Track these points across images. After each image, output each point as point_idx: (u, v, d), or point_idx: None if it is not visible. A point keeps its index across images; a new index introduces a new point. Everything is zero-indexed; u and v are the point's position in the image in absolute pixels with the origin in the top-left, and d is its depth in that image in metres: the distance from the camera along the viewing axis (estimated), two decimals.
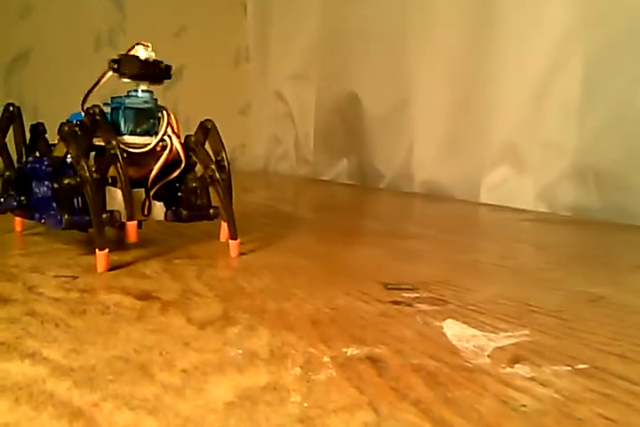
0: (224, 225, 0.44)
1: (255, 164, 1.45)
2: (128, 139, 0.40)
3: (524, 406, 0.21)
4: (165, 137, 0.41)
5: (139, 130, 0.41)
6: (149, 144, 0.40)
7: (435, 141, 0.91)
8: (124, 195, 0.38)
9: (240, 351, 0.25)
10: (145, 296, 0.32)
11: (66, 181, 0.37)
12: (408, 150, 0.97)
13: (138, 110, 0.41)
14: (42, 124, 0.44)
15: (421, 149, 0.93)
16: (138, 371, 0.22)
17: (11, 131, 0.45)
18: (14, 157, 0.44)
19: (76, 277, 0.35)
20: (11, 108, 0.44)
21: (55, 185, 0.38)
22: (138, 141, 0.40)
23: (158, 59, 0.42)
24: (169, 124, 0.41)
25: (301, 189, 1.13)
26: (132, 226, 0.39)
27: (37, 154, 0.43)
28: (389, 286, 0.36)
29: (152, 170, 0.41)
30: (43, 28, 1.04)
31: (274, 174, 1.39)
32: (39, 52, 1.04)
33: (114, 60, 0.40)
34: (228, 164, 0.43)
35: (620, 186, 0.68)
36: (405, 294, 0.34)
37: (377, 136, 1.04)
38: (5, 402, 0.20)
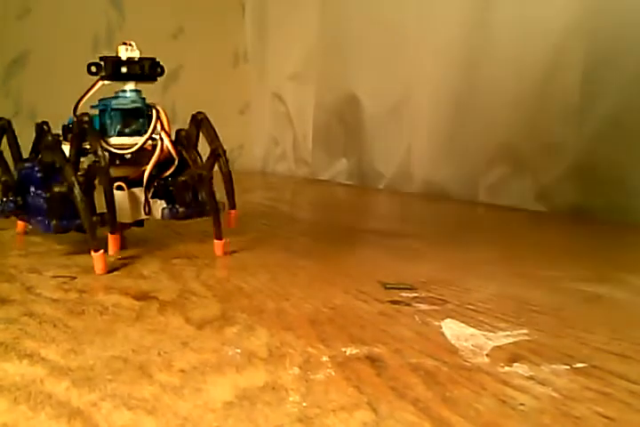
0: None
1: (254, 164, 1.45)
2: (116, 140, 0.40)
3: (522, 404, 0.21)
4: (156, 135, 0.40)
5: (127, 130, 0.40)
6: (137, 145, 0.40)
7: (433, 141, 0.91)
8: (107, 205, 0.38)
9: (238, 351, 0.25)
10: (143, 296, 0.32)
11: (56, 190, 0.37)
12: (407, 150, 0.97)
13: (125, 111, 0.40)
14: (46, 122, 0.43)
15: (420, 149, 0.93)
16: (136, 371, 0.22)
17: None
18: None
19: (74, 278, 0.35)
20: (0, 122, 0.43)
21: (47, 194, 0.38)
22: (126, 142, 0.40)
23: (148, 57, 0.41)
24: (158, 122, 0.40)
25: (300, 190, 1.13)
26: (114, 239, 0.38)
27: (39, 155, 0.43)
28: (388, 286, 0.36)
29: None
30: (41, 30, 1.04)
31: (272, 175, 1.39)
32: (38, 54, 1.04)
33: (94, 64, 0.40)
34: (224, 151, 0.42)
35: (618, 186, 0.68)
36: (404, 294, 0.34)
37: (375, 136, 1.04)
38: (4, 402, 0.20)
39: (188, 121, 0.43)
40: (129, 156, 0.40)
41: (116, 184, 0.40)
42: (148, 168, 0.40)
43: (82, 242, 0.45)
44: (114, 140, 0.40)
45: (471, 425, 0.19)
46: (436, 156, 0.91)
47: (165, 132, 0.40)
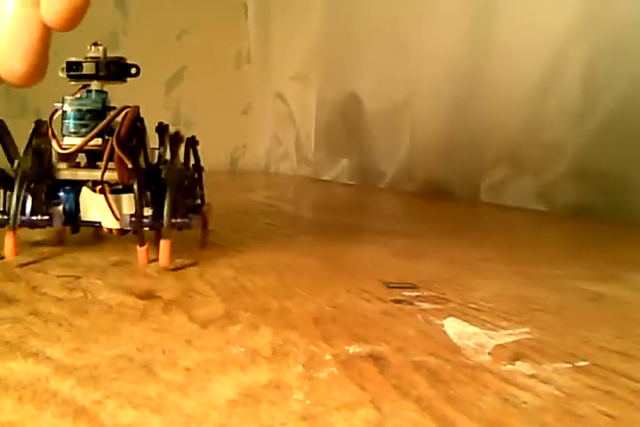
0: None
1: (256, 164, 1.45)
2: (66, 140, 0.40)
3: (524, 403, 0.21)
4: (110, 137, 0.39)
5: (84, 130, 0.40)
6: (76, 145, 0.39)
7: (435, 141, 0.91)
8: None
9: (242, 350, 0.25)
10: (147, 296, 0.32)
11: None
12: (408, 150, 0.97)
13: (81, 111, 0.40)
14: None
15: (421, 149, 0.94)
16: (141, 369, 0.22)
17: None
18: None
19: (79, 277, 0.35)
20: None
21: None
22: (75, 143, 0.39)
23: (115, 56, 0.41)
24: (108, 124, 0.39)
25: (302, 189, 1.13)
26: (7, 239, 0.37)
27: None
28: (391, 285, 0.36)
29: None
30: None
31: (275, 174, 1.39)
32: None
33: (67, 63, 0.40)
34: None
35: (619, 185, 0.68)
36: (407, 293, 0.34)
37: (377, 136, 1.04)
38: (9, 401, 0.20)
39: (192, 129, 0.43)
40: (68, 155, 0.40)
41: (98, 188, 0.39)
42: (101, 171, 0.39)
43: (86, 242, 0.45)
44: (65, 140, 0.40)
45: (474, 423, 0.19)
46: (438, 155, 0.92)
47: (118, 134, 0.38)
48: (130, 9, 1.23)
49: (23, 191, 0.38)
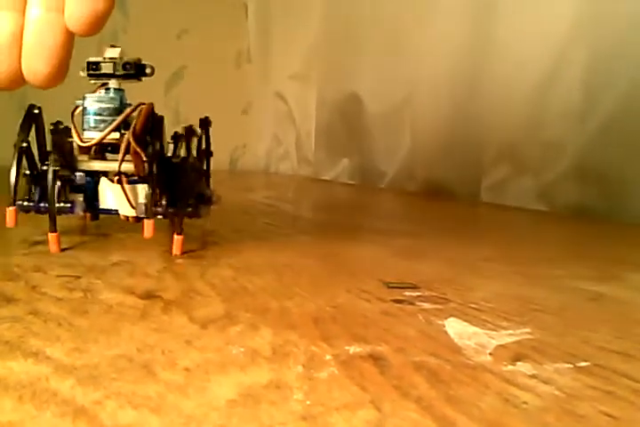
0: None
1: (256, 163, 1.45)
2: (86, 134, 0.42)
3: (525, 403, 0.21)
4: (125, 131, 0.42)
5: (102, 125, 0.42)
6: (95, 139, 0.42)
7: (435, 140, 0.91)
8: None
9: (242, 350, 0.25)
10: (147, 295, 0.32)
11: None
12: (409, 149, 0.97)
13: (100, 108, 0.42)
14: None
15: (422, 148, 0.94)
16: (141, 369, 0.22)
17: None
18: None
19: (79, 277, 0.35)
20: (35, 111, 0.43)
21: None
22: (95, 137, 0.42)
23: (132, 58, 0.43)
24: (124, 119, 0.41)
25: (302, 189, 1.13)
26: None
27: None
28: (391, 285, 0.36)
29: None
30: None
31: (275, 174, 1.39)
32: None
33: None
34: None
35: (620, 185, 0.68)
36: (407, 293, 0.34)
37: (378, 135, 1.04)
38: (9, 401, 0.20)
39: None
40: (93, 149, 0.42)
41: (115, 178, 0.42)
42: (118, 163, 0.41)
43: (86, 242, 0.45)
44: (85, 134, 0.42)
45: (474, 423, 0.19)
46: (438, 155, 0.92)
47: (134, 129, 0.41)
48: (130, 8, 1.23)
49: (56, 183, 0.41)
